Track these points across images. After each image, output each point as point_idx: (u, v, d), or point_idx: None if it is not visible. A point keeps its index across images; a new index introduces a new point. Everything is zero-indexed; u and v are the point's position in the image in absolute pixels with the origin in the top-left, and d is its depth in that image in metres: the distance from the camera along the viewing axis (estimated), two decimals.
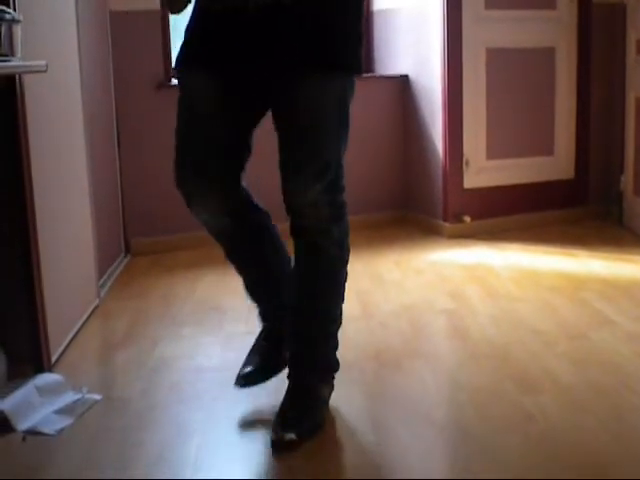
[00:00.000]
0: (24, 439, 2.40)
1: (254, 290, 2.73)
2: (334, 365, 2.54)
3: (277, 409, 2.44)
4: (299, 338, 2.48)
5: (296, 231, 2.40)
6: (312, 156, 2.29)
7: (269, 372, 2.63)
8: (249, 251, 2.63)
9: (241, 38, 2.23)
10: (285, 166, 2.32)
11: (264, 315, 2.71)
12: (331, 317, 2.50)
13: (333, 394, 2.53)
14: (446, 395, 2.69)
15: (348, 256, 2.49)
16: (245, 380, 2.59)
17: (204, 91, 2.32)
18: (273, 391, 2.69)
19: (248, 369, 2.61)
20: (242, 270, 2.71)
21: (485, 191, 4.92)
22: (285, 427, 2.34)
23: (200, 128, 2.34)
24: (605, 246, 4.52)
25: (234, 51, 2.25)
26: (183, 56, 2.34)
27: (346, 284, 2.51)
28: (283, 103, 2.31)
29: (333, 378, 2.54)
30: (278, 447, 2.30)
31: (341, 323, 2.52)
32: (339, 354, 2.53)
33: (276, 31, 2.21)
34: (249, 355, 2.69)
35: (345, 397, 2.66)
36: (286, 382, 2.50)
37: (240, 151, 2.40)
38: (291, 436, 2.31)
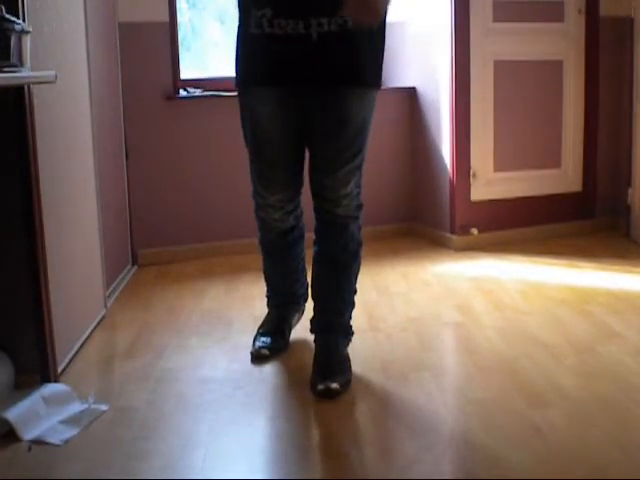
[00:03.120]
0: (30, 449, 2.40)
1: (280, 282, 3.24)
2: (351, 330, 3.01)
3: (284, 420, 2.44)
4: (330, 306, 2.96)
5: (331, 218, 2.86)
6: (353, 156, 2.78)
7: (276, 352, 3.12)
8: (294, 250, 3.15)
9: (304, 60, 2.65)
10: (323, 165, 2.80)
11: (276, 304, 3.25)
12: (353, 289, 2.98)
13: (339, 407, 2.52)
14: (453, 408, 2.68)
15: (360, 251, 2.97)
16: (260, 356, 3.08)
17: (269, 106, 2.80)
18: (279, 402, 2.70)
19: (263, 349, 3.11)
20: (278, 265, 3.20)
21: (492, 203, 4.92)
22: (327, 379, 2.73)
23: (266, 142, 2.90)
24: (613, 259, 4.51)
25: (298, 70, 2.68)
26: (249, 75, 2.80)
27: None
28: (331, 112, 2.72)
29: (350, 341, 3.00)
30: (325, 395, 2.69)
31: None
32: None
33: (331, 54, 2.63)
34: (260, 335, 3.20)
35: (351, 409, 2.66)
36: (290, 396, 2.59)
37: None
38: (336, 386, 2.71)
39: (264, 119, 2.82)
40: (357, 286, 3.02)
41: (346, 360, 2.91)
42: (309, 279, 3.06)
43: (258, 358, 3.08)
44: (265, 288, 3.30)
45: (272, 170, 2.94)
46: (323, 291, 2.98)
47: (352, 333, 3.02)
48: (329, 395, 2.69)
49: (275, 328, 3.21)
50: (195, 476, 2.24)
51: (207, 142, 4.77)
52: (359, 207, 2.90)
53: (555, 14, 4.91)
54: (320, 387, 2.71)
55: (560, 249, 4.77)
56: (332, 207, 2.84)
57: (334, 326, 2.96)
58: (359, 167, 2.83)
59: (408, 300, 3.86)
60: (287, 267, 3.19)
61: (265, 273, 3.25)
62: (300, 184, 2.96)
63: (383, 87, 5.18)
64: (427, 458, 2.31)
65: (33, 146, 2.72)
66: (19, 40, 2.48)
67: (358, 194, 2.87)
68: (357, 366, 2.94)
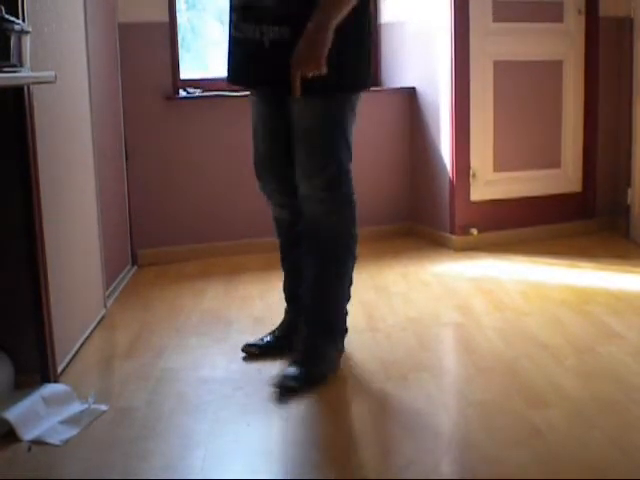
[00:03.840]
0: (30, 449, 2.40)
1: (285, 281, 3.23)
2: (337, 328, 2.97)
3: (284, 420, 2.47)
4: (305, 305, 2.97)
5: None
6: (319, 161, 2.83)
7: (272, 350, 3.12)
8: (296, 250, 3.09)
9: (259, 64, 2.77)
10: (296, 162, 2.88)
11: (287, 304, 3.23)
12: (329, 288, 2.96)
13: (339, 408, 2.52)
14: (452, 408, 2.68)
15: (351, 244, 2.94)
16: (247, 350, 3.12)
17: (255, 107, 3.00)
18: (280, 402, 2.70)
19: (255, 342, 3.14)
20: (283, 263, 3.21)
21: (492, 204, 4.92)
22: (288, 378, 2.79)
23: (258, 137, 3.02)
24: (612, 259, 4.51)
25: (255, 73, 2.82)
26: (228, 73, 2.94)
27: (353, 272, 2.96)
28: (292, 117, 2.83)
29: (339, 340, 2.96)
30: (279, 390, 2.75)
31: (348, 297, 2.97)
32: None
33: (284, 60, 2.61)
34: (269, 333, 3.21)
35: (351, 410, 2.66)
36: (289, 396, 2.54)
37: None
38: (292, 384, 2.76)
39: (254, 114, 3.02)
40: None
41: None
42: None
43: (246, 354, 3.12)
44: None
45: (260, 161, 3.05)
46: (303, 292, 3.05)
47: (337, 331, 3.00)
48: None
49: (279, 330, 3.20)
50: (195, 476, 2.24)
51: (207, 142, 4.77)
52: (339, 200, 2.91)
53: (555, 14, 4.91)
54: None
55: (560, 249, 4.77)
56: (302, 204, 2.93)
57: (310, 322, 2.98)
58: (325, 167, 2.84)
59: (408, 300, 3.86)
60: (290, 265, 3.18)
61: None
62: (292, 178, 2.94)
63: (383, 87, 5.22)
64: (426, 459, 2.31)
65: (33, 147, 2.72)
66: (19, 40, 2.48)
67: (328, 196, 2.89)
68: (356, 366, 2.94)
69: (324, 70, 2.58)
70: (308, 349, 2.92)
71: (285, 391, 2.75)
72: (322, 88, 2.68)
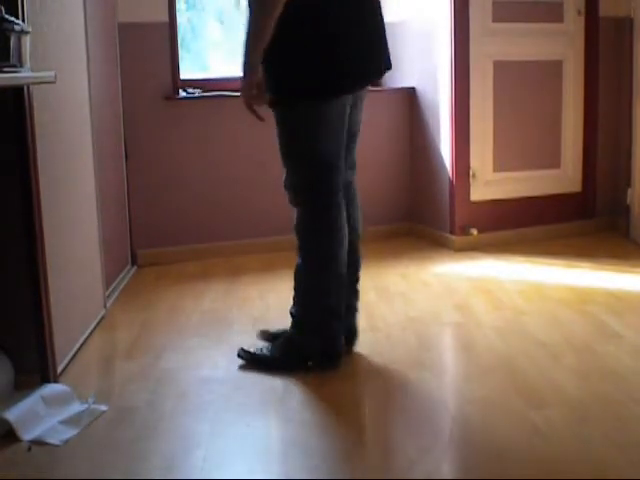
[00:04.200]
0: (29, 449, 2.40)
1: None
2: (308, 321, 3.01)
3: (283, 420, 2.45)
4: None
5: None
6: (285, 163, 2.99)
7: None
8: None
9: None
10: None
11: None
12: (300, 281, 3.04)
13: (339, 407, 2.51)
14: (452, 408, 2.68)
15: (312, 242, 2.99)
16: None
17: None
18: (277, 403, 2.70)
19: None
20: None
21: (492, 204, 4.92)
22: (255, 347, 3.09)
23: None
24: (612, 259, 4.51)
25: None
26: None
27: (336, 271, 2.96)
28: None
29: (311, 336, 2.98)
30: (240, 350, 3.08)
31: (316, 295, 2.99)
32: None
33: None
34: None
35: (351, 409, 2.66)
36: (289, 397, 2.58)
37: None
38: (248, 350, 3.07)
39: None
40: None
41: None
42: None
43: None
44: None
45: None
46: None
47: (308, 326, 3.03)
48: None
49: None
50: (196, 476, 2.24)
51: (207, 142, 4.78)
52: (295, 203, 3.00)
53: (555, 14, 4.91)
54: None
55: (559, 249, 4.77)
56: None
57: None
58: (291, 168, 2.96)
59: (408, 300, 3.86)
60: None
61: None
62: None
63: (383, 87, 5.22)
64: (427, 458, 2.32)
65: (33, 146, 2.72)
66: (19, 40, 2.48)
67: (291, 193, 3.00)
68: (356, 365, 2.94)
69: (253, 99, 2.83)
70: (284, 334, 3.10)
71: (240, 352, 3.08)
72: (270, 101, 2.86)
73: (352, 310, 3.13)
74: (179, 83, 4.78)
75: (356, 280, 3.14)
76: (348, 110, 2.92)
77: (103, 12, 4.09)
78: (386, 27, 2.99)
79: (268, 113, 2.87)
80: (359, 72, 2.89)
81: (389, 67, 3.04)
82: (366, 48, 2.87)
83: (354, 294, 3.14)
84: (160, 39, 4.65)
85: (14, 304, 2.79)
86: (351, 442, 2.45)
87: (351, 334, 3.12)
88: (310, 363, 2.97)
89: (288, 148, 2.92)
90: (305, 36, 2.76)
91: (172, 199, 4.76)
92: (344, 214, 2.96)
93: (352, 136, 3.04)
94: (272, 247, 4.82)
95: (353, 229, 3.07)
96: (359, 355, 3.08)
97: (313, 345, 2.97)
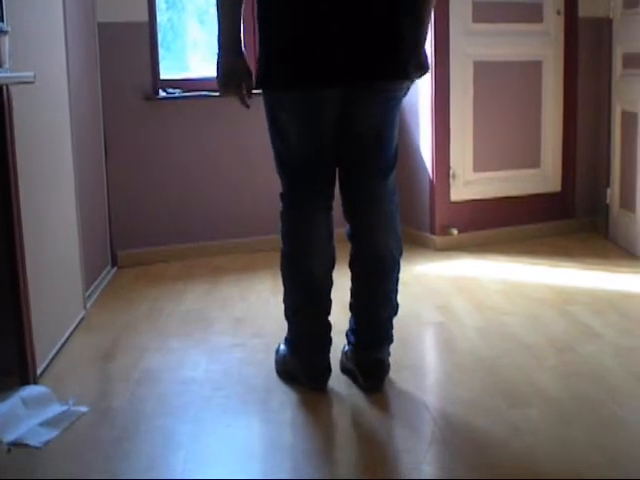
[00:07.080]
0: (9, 451, 2.39)
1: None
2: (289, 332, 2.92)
3: (264, 421, 2.44)
4: None
5: None
6: None
7: None
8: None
9: None
10: None
11: None
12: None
13: (317, 409, 2.51)
14: (433, 408, 2.68)
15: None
16: None
17: None
18: (258, 404, 2.70)
19: None
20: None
21: (472, 204, 4.93)
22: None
23: None
24: (592, 259, 4.53)
25: None
26: None
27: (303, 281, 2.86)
28: None
29: (288, 347, 2.91)
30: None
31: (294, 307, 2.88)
32: None
33: None
34: None
35: (329, 410, 2.66)
36: (269, 397, 2.54)
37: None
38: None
39: None
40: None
41: None
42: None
43: None
44: None
45: None
46: None
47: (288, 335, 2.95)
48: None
49: None
50: (176, 477, 2.23)
51: (187, 143, 4.76)
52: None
53: (534, 15, 4.93)
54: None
55: (540, 249, 4.79)
56: None
57: None
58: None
59: None
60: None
61: None
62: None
63: None
64: (407, 459, 2.32)
65: (12, 147, 2.71)
66: None
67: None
68: (338, 366, 2.94)
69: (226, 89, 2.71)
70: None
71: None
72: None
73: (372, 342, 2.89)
74: (159, 83, 4.76)
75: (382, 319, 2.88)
76: (335, 107, 2.69)
77: (83, 12, 4.08)
78: (412, 29, 2.84)
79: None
80: (314, 67, 2.62)
81: (402, 70, 2.99)
82: (340, 45, 2.59)
83: (378, 324, 2.88)
84: (140, 39, 4.63)
85: None
86: (331, 443, 2.45)
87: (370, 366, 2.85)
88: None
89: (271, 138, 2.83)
90: (268, 25, 2.66)
91: (152, 200, 4.74)
92: (319, 225, 2.80)
93: (358, 135, 2.75)
94: (253, 247, 4.81)
95: (373, 258, 2.79)
96: (340, 356, 3.08)
97: (297, 366, 2.87)
